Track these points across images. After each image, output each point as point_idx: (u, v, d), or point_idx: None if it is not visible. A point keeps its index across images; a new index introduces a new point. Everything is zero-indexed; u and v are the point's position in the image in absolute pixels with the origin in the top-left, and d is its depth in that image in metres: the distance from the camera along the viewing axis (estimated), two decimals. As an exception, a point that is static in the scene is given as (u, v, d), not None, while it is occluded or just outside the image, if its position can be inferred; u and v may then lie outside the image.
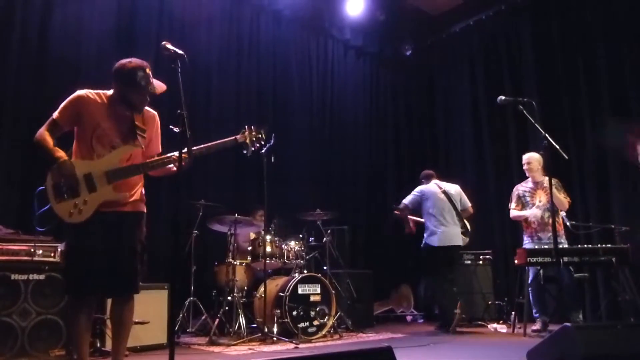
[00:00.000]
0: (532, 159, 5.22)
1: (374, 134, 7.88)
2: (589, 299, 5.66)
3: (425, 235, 5.50)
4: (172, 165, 2.84)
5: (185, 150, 2.56)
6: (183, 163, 2.55)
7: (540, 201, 5.10)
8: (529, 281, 4.94)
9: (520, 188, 5.30)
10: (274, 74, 6.77)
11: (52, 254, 3.60)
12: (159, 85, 2.82)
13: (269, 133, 4.72)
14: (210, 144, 2.90)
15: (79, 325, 2.66)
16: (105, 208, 2.66)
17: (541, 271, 4.88)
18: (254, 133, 3.06)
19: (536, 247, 4.91)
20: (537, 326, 4.88)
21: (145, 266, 2.82)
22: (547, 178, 5.01)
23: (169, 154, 2.80)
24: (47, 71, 4.74)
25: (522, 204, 5.24)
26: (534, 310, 4.97)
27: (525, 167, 5.24)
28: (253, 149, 3.06)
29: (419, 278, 6.99)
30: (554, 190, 4.57)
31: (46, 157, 2.63)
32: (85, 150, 2.69)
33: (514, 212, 5.27)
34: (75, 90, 2.77)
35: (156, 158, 2.84)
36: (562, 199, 4.92)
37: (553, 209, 3.84)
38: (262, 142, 3.12)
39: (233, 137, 3.01)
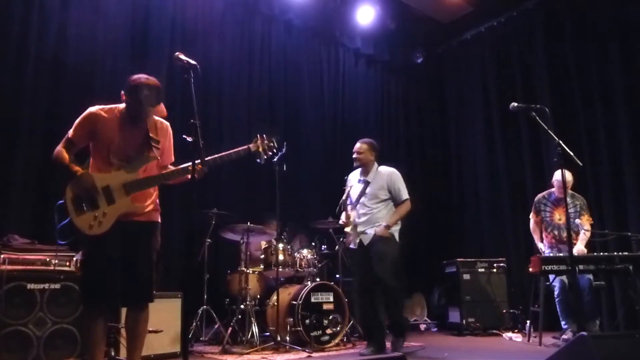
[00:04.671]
0: (569, 180, 4.99)
1: (386, 142, 7.83)
2: (605, 307, 5.57)
3: (397, 230, 4.47)
4: (187, 175, 2.89)
5: (198, 160, 2.59)
6: (196, 175, 2.58)
7: (560, 219, 5.05)
8: (556, 292, 4.88)
9: (543, 200, 5.22)
10: (285, 83, 6.81)
11: (68, 264, 3.64)
12: (161, 110, 2.90)
13: (280, 141, 4.79)
14: (223, 153, 2.95)
15: (94, 334, 2.70)
16: (122, 218, 2.71)
17: (566, 281, 4.81)
18: (266, 142, 3.12)
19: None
20: (567, 335, 4.76)
21: (160, 275, 2.85)
22: (568, 198, 4.95)
23: (184, 165, 2.83)
24: (62, 84, 4.81)
25: (541, 217, 5.19)
26: (562, 323, 4.89)
27: (557, 184, 5.02)
28: (266, 157, 3.11)
29: (432, 286, 6.94)
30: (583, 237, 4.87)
31: (65, 172, 2.69)
32: (102, 164, 2.75)
33: (533, 226, 5.27)
34: (90, 104, 2.84)
35: (172, 169, 2.89)
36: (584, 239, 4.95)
37: (569, 226, 3.74)
38: (274, 150, 3.19)
39: (246, 146, 3.07)
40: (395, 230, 4.37)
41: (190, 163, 2.67)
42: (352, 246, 4.45)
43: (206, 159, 2.72)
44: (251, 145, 3.07)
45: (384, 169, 4.57)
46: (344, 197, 4.52)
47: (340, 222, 4.57)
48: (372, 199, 4.40)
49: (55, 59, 4.82)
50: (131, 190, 2.71)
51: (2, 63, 4.49)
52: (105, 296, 2.71)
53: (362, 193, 4.45)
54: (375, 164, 4.59)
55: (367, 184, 4.47)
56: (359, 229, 4.37)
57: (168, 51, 5.37)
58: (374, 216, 4.35)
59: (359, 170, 4.62)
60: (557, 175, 5.02)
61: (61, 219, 2.64)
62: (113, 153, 2.74)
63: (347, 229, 4.45)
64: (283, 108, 6.72)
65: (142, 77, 2.77)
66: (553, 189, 5.17)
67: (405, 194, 4.48)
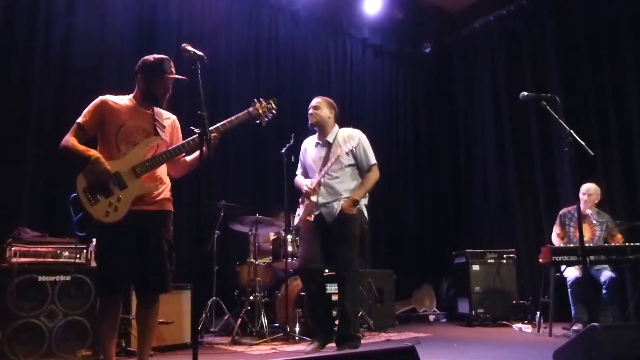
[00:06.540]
0: (593, 190, 5.00)
1: (394, 132, 7.83)
2: (617, 298, 5.52)
3: (364, 204, 3.99)
4: (192, 156, 2.94)
5: (205, 143, 2.59)
6: (206, 149, 2.57)
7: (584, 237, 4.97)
8: (570, 281, 4.84)
9: (568, 215, 5.13)
10: (292, 74, 6.78)
11: (78, 256, 3.66)
12: (181, 78, 2.91)
13: (288, 132, 4.78)
14: (225, 120, 2.96)
15: (106, 326, 2.72)
16: (135, 207, 2.70)
17: (583, 271, 4.77)
18: (264, 104, 3.12)
19: None
20: (577, 326, 4.72)
21: (175, 265, 2.85)
22: (593, 212, 4.97)
23: (188, 139, 2.84)
24: (70, 80, 4.81)
25: (565, 231, 5.13)
26: (573, 310, 4.86)
27: (583, 197, 4.97)
28: (267, 119, 3.12)
29: (441, 277, 6.94)
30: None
31: (77, 158, 2.68)
32: (110, 151, 2.75)
33: (556, 240, 5.18)
34: (97, 97, 2.84)
35: (178, 144, 2.88)
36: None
37: (582, 233, 3.70)
38: (275, 112, 3.16)
39: (246, 111, 3.07)
40: (363, 204, 3.89)
41: (194, 137, 2.73)
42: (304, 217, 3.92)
43: (210, 128, 2.70)
44: (251, 109, 3.07)
45: (346, 130, 4.01)
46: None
47: (305, 188, 3.91)
48: (335, 164, 3.79)
49: (62, 55, 4.81)
50: (141, 172, 2.71)
51: (10, 59, 4.50)
52: (119, 287, 2.74)
53: (325, 158, 3.84)
54: (336, 125, 4.05)
55: (328, 146, 3.91)
56: (320, 200, 3.81)
57: (175, 44, 5.35)
58: (338, 186, 3.81)
59: (315, 135, 4.09)
60: (583, 188, 4.99)
61: (77, 211, 2.63)
62: (121, 139, 2.75)
63: (313, 198, 3.82)
64: (290, 99, 6.68)
65: (154, 55, 2.91)
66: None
67: (373, 159, 3.92)
